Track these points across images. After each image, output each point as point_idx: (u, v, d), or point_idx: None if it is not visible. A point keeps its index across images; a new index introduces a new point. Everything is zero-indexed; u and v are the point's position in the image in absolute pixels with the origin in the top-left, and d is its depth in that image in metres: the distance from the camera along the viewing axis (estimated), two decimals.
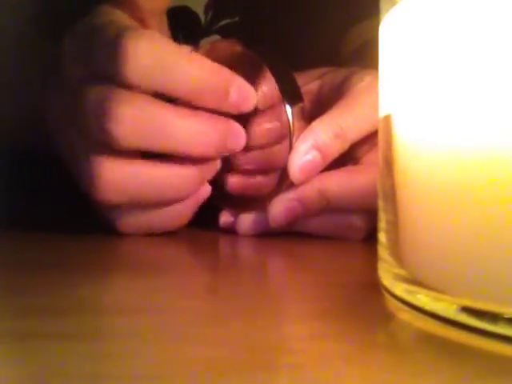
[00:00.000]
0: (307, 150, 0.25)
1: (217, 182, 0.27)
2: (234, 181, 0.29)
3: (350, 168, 0.27)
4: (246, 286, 0.19)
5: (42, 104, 0.27)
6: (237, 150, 0.25)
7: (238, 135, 0.25)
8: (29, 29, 0.33)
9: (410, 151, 0.14)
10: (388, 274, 0.16)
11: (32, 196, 0.34)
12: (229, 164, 0.29)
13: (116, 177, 0.24)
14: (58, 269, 0.20)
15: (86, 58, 0.24)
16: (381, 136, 0.17)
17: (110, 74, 0.23)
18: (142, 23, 0.26)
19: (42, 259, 0.22)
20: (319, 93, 0.30)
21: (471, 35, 0.12)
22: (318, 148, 0.25)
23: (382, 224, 0.16)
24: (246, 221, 0.28)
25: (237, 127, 0.25)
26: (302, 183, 0.26)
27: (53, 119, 0.26)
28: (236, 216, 0.28)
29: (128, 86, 0.23)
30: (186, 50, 0.24)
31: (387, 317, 0.15)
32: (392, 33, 0.15)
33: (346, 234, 0.27)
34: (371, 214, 0.23)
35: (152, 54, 0.23)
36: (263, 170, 0.29)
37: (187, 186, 0.25)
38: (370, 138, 0.26)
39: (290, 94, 0.26)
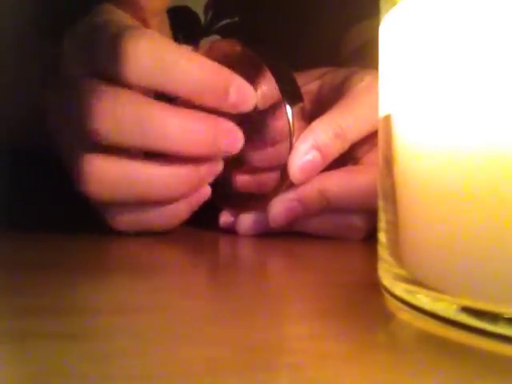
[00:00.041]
0: (307, 150, 0.25)
1: (217, 182, 0.27)
2: (241, 178, 0.30)
3: (350, 168, 0.27)
4: (246, 286, 0.19)
5: (42, 104, 0.27)
6: (233, 151, 0.25)
7: (230, 134, 0.24)
8: (29, 29, 0.33)
9: (410, 151, 0.14)
10: (388, 274, 0.16)
11: (32, 196, 0.34)
12: (233, 163, 0.29)
13: (106, 175, 0.24)
14: (57, 269, 0.20)
15: (85, 57, 0.24)
16: (381, 136, 0.17)
17: (110, 73, 0.23)
18: (144, 23, 0.26)
19: (41, 259, 0.22)
20: (319, 93, 0.30)
21: (471, 35, 0.12)
22: (318, 148, 0.25)
23: (382, 224, 0.16)
24: (246, 221, 0.28)
25: (229, 125, 0.24)
26: (302, 183, 0.26)
27: (53, 119, 0.26)
28: (236, 216, 0.28)
29: (128, 86, 0.23)
30: (186, 49, 0.24)
31: (387, 317, 0.15)
32: (392, 33, 0.15)
33: (346, 234, 0.27)
34: (371, 214, 0.23)
35: (152, 54, 0.23)
36: (271, 168, 0.29)
37: (179, 185, 0.25)
38: (370, 138, 0.26)
39: (290, 94, 0.26)
